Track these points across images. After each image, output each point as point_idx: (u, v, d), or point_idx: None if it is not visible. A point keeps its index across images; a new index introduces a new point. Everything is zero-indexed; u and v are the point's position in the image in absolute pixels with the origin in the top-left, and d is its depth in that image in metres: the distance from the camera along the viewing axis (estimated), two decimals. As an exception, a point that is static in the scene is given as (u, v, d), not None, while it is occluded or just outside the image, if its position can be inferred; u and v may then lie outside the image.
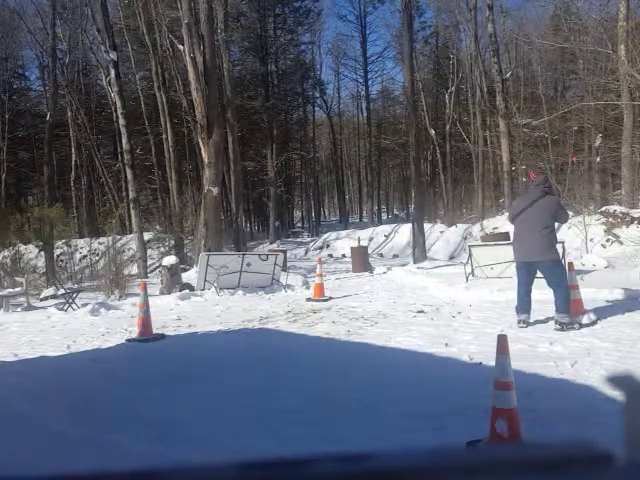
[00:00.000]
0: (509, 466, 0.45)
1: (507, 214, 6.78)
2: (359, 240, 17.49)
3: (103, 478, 0.46)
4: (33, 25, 27.09)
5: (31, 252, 16.85)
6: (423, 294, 9.59)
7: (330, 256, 22.20)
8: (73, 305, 9.93)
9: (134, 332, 6.98)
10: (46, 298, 11.54)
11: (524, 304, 6.10)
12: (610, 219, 13.32)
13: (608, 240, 12.79)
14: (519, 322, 6.07)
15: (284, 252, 15.14)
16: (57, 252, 17.31)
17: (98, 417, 3.86)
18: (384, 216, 44.58)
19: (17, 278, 12.97)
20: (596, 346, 5.21)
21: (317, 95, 40.44)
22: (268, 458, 0.45)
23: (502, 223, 18.05)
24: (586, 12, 18.57)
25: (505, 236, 16.07)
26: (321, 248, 24.86)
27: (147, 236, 19.24)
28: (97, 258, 18.32)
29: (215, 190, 13.36)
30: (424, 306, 8.20)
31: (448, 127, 30.10)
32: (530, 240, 5.80)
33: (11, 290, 11.52)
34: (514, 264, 6.65)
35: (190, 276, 12.34)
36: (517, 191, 21.30)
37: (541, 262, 5.87)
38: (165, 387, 4.59)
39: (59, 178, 29.03)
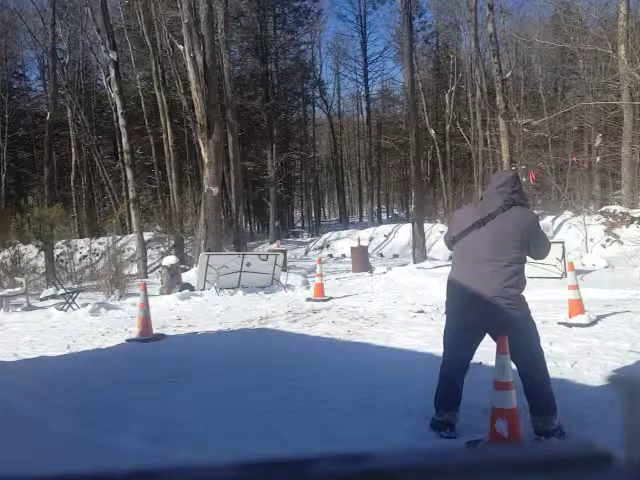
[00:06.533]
0: (509, 466, 0.45)
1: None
2: (359, 240, 17.49)
3: (103, 478, 0.46)
4: (33, 25, 27.09)
5: (31, 252, 16.85)
6: (423, 294, 9.59)
7: (330, 256, 22.19)
8: (73, 305, 9.94)
9: (134, 332, 6.98)
10: (46, 298, 11.54)
11: (452, 395, 3.39)
12: (610, 219, 13.32)
13: (608, 240, 12.79)
14: (439, 426, 3.37)
15: (284, 252, 15.14)
16: (57, 252, 17.30)
17: (98, 417, 3.86)
18: (384, 216, 44.58)
19: (17, 278, 12.98)
20: (596, 346, 5.21)
21: (317, 95, 40.48)
22: (268, 458, 0.45)
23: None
24: (586, 12, 18.57)
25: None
26: (321, 248, 24.85)
27: (147, 236, 19.23)
28: (97, 258, 18.32)
29: (215, 190, 13.36)
30: (424, 306, 8.20)
31: (448, 127, 30.09)
32: (481, 282, 3.20)
33: (11, 290, 11.53)
34: None
35: (190, 276, 12.33)
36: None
37: (501, 320, 3.19)
38: (165, 387, 4.59)
39: (59, 178, 29.02)
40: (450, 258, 3.77)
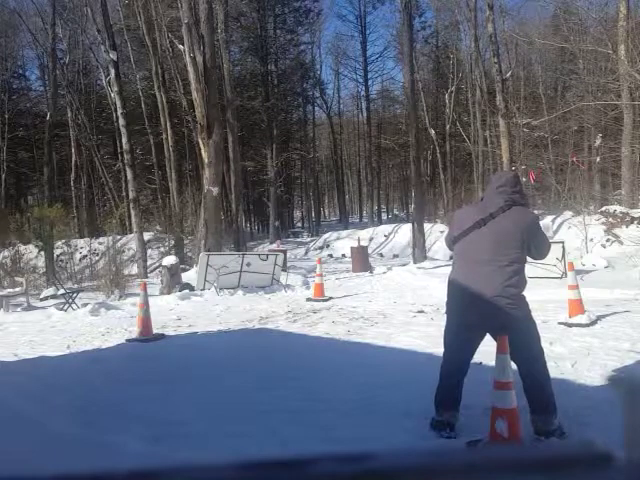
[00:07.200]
0: (509, 466, 0.45)
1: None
2: (359, 240, 17.49)
3: (103, 478, 0.46)
4: (33, 25, 27.09)
5: (31, 252, 16.85)
6: (423, 294, 9.59)
7: (330, 256, 22.20)
8: (73, 305, 9.94)
9: (134, 332, 6.98)
10: (46, 298, 11.54)
11: (452, 395, 3.40)
12: (610, 219, 13.32)
13: (608, 240, 12.79)
14: (439, 426, 3.38)
15: (284, 252, 15.14)
16: (57, 252, 17.31)
17: (98, 417, 3.86)
18: (384, 216, 44.58)
19: (17, 278, 12.98)
20: (596, 346, 5.22)
21: (317, 95, 40.49)
22: (268, 458, 0.45)
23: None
24: (586, 12, 18.57)
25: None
26: (321, 248, 24.85)
27: (147, 236, 19.22)
28: (97, 258, 18.32)
29: (215, 190, 13.36)
30: (424, 306, 8.20)
31: (448, 127, 30.09)
32: (482, 282, 3.19)
33: (11, 290, 11.52)
34: None
35: (190, 276, 12.34)
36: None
37: (501, 320, 3.18)
38: (165, 387, 4.58)
39: (59, 178, 29.03)
40: (450, 258, 3.80)
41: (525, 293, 3.29)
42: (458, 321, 3.35)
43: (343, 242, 23.33)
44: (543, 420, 3.15)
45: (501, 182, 3.36)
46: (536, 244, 3.29)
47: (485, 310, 3.19)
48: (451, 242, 3.49)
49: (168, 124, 20.91)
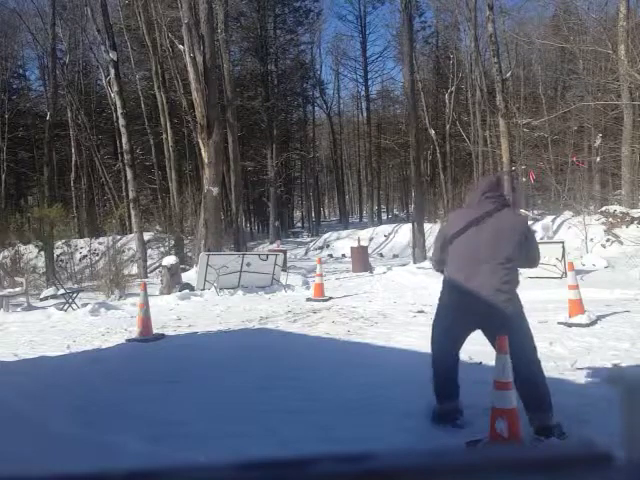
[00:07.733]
0: (509, 466, 0.45)
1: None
2: (359, 240, 17.49)
3: (103, 478, 0.46)
4: (33, 25, 27.10)
5: (31, 252, 16.83)
6: (423, 294, 9.58)
7: (330, 256, 22.20)
8: (73, 305, 9.94)
9: (134, 332, 6.98)
10: (46, 298, 11.53)
11: (450, 388, 3.47)
12: (610, 219, 13.32)
13: (608, 240, 12.79)
14: (443, 418, 3.44)
15: (284, 252, 15.14)
16: (57, 252, 17.30)
17: (98, 417, 3.86)
18: (384, 216, 44.57)
19: (17, 278, 12.97)
20: (596, 346, 5.22)
21: (317, 95, 40.50)
22: (268, 458, 0.45)
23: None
24: (586, 12, 18.58)
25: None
26: (321, 248, 24.85)
27: (147, 236, 19.22)
28: (97, 258, 18.31)
29: (215, 190, 13.36)
30: (424, 306, 8.20)
31: (448, 127, 30.07)
32: (480, 279, 3.21)
33: (11, 290, 11.52)
34: None
35: (190, 276, 12.33)
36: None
37: (496, 318, 3.19)
38: (165, 387, 4.58)
39: (59, 178, 29.02)
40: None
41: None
42: (451, 316, 3.39)
43: (343, 242, 23.33)
44: (540, 417, 3.15)
45: (487, 186, 3.43)
46: (529, 247, 3.33)
47: (482, 306, 3.21)
48: (445, 244, 3.46)
49: (168, 124, 20.90)
